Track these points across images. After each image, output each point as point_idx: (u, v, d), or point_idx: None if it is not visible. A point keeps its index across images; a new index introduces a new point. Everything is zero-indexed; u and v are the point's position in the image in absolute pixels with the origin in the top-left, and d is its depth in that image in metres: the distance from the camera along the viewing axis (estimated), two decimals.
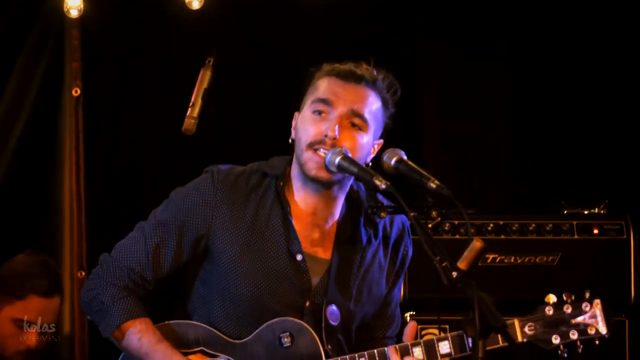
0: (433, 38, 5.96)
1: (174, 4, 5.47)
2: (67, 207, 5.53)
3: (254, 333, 3.50)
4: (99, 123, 5.64)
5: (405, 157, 3.41)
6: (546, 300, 3.49)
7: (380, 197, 3.53)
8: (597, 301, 3.48)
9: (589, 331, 3.46)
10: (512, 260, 5.07)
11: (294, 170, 3.57)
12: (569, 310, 3.47)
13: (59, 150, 5.56)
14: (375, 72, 3.58)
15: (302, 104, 3.58)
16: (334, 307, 3.55)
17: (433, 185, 3.28)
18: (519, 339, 3.46)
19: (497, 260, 5.08)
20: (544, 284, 5.03)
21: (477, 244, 3.22)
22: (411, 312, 4.97)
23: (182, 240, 3.53)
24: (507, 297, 4.91)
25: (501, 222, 5.08)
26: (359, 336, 3.68)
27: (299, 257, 3.54)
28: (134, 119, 5.64)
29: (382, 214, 3.46)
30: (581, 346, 3.45)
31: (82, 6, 5.38)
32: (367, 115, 3.52)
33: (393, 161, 3.40)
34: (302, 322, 3.51)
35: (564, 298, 3.48)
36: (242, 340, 3.50)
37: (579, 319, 3.46)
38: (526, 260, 5.07)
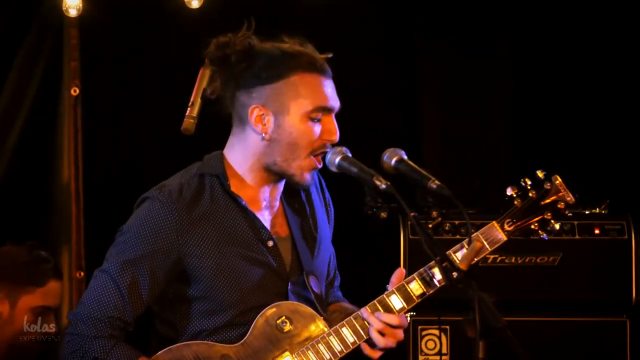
0: (433, 38, 5.96)
1: (173, 3, 5.47)
2: (66, 207, 5.52)
3: (249, 331, 3.46)
4: (97, 123, 5.64)
5: (405, 157, 3.40)
6: (509, 193, 3.52)
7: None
8: (555, 176, 3.55)
9: (559, 206, 3.51)
10: (513, 260, 5.07)
11: (254, 165, 3.51)
12: (535, 195, 3.51)
13: (58, 150, 5.56)
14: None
15: (272, 102, 3.47)
16: (313, 278, 3.55)
17: (433, 185, 3.27)
18: (503, 238, 3.48)
19: (498, 260, 5.08)
20: (545, 285, 5.04)
21: (477, 244, 3.22)
22: (412, 312, 4.96)
23: (155, 271, 3.42)
24: (508, 297, 4.91)
25: None
26: None
27: (270, 243, 3.51)
28: (132, 119, 5.64)
29: (382, 214, 3.44)
30: (557, 224, 3.51)
31: (81, 5, 5.38)
32: None
33: (393, 161, 3.39)
34: (294, 302, 3.49)
35: (523, 185, 3.52)
36: (241, 342, 3.47)
37: (547, 199, 3.51)
38: (527, 260, 5.07)
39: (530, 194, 3.51)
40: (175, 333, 3.50)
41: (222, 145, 3.68)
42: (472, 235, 3.42)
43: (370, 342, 3.46)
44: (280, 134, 3.47)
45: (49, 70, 5.55)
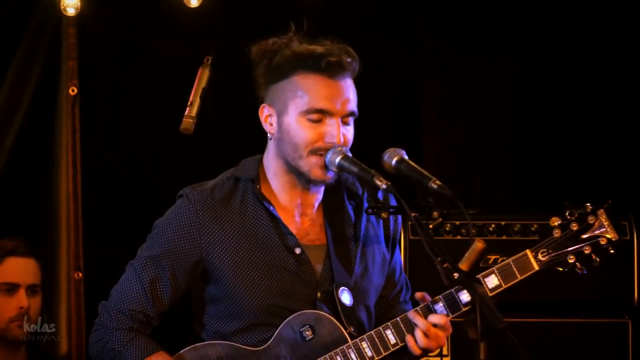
0: (434, 38, 5.95)
1: (171, 2, 5.46)
2: (64, 207, 5.52)
3: (274, 336, 3.46)
4: (96, 122, 5.62)
5: (406, 157, 3.39)
6: (550, 223, 3.48)
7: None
8: (601, 211, 3.48)
9: (601, 242, 3.46)
10: None
11: (277, 167, 3.52)
12: (576, 227, 3.47)
13: (56, 150, 5.55)
14: (349, 54, 3.50)
15: (277, 101, 3.47)
16: (344, 289, 3.51)
17: (434, 186, 3.25)
18: (535, 267, 3.47)
19: (499, 261, 5.03)
20: (546, 285, 5.02)
21: (478, 244, 3.22)
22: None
23: (175, 270, 3.48)
24: (509, 298, 4.89)
25: (503, 223, 5.08)
26: (378, 310, 3.65)
27: (297, 250, 3.51)
28: (131, 119, 5.63)
29: (383, 215, 3.43)
30: (597, 259, 3.46)
31: (79, 4, 5.36)
32: (356, 108, 3.51)
33: (394, 161, 3.37)
34: (318, 312, 3.48)
35: (568, 217, 3.47)
36: (264, 346, 3.47)
37: (588, 233, 3.47)
38: None
39: (572, 226, 3.47)
40: (204, 332, 3.55)
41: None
42: (504, 262, 3.44)
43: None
44: (282, 133, 3.48)
45: (47, 70, 5.53)
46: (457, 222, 5.00)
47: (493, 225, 5.07)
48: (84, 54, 5.56)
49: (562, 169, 5.84)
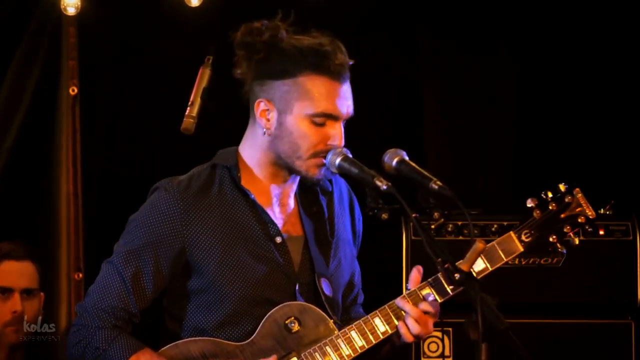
0: (435, 38, 5.95)
1: (172, 2, 5.47)
2: (64, 207, 5.53)
3: (257, 330, 3.43)
4: (96, 122, 5.63)
5: (406, 158, 3.37)
6: (529, 204, 3.53)
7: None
8: (577, 190, 3.56)
9: (579, 220, 3.53)
10: (516, 262, 5.04)
11: (263, 159, 3.49)
12: (555, 207, 3.52)
13: (56, 150, 5.57)
14: (346, 54, 3.46)
15: (278, 99, 3.44)
16: (324, 280, 3.51)
17: (435, 186, 3.23)
18: (520, 249, 3.50)
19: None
20: (548, 286, 5.01)
21: (479, 245, 3.21)
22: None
23: (159, 262, 3.43)
24: (511, 299, 4.89)
25: (505, 223, 5.06)
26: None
27: (278, 239, 3.49)
28: (131, 119, 5.63)
29: (384, 215, 3.41)
30: (576, 238, 3.53)
31: (79, 4, 5.37)
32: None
33: (394, 162, 3.36)
34: (303, 303, 3.46)
35: (544, 197, 3.53)
36: (248, 341, 3.44)
37: (566, 212, 3.53)
38: (530, 262, 5.05)
39: (550, 206, 3.52)
40: (180, 328, 3.50)
41: (220, 145, 3.66)
42: (488, 245, 3.42)
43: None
44: (282, 131, 3.45)
45: (47, 70, 5.55)
46: (459, 223, 5.00)
47: (495, 226, 5.05)
48: (84, 54, 5.57)
49: (563, 169, 5.83)
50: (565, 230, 3.51)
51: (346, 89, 3.46)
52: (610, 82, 5.79)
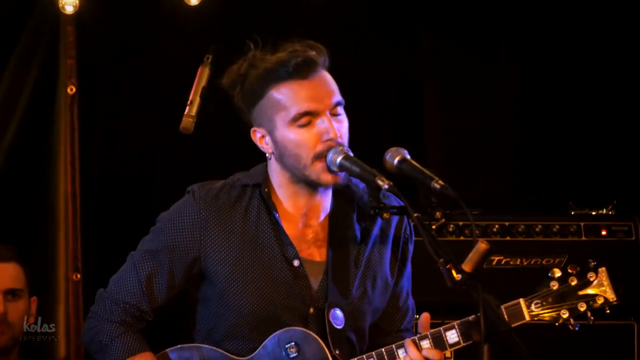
0: (436, 38, 5.95)
1: (171, 1, 5.45)
2: (62, 207, 5.53)
3: (260, 347, 3.45)
4: (94, 122, 5.62)
5: (408, 157, 3.34)
6: (550, 274, 3.43)
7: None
8: (602, 269, 3.41)
9: (598, 301, 3.39)
10: (518, 262, 5.05)
11: (282, 180, 3.50)
12: (575, 282, 3.40)
13: (54, 150, 5.58)
14: (312, 48, 3.44)
15: (263, 121, 3.45)
16: (336, 310, 3.48)
17: (437, 186, 3.21)
18: (526, 318, 3.40)
19: (503, 262, 5.05)
20: None
21: (482, 245, 3.18)
22: (415, 316, 4.91)
23: (173, 266, 3.48)
24: (512, 299, 4.86)
25: (507, 224, 5.07)
26: (374, 332, 3.62)
27: (295, 262, 3.48)
28: (130, 118, 5.62)
29: (385, 215, 3.40)
30: (592, 318, 3.39)
31: (77, 2, 5.37)
32: (340, 96, 3.45)
33: (396, 161, 3.33)
34: (306, 330, 3.45)
35: (569, 270, 3.41)
36: (250, 356, 3.45)
37: (586, 289, 3.40)
38: (532, 262, 5.05)
39: (570, 280, 3.41)
40: (195, 332, 3.56)
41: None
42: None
43: None
44: (280, 149, 3.45)
45: (45, 68, 5.55)
46: (461, 223, 5.00)
47: (497, 226, 5.06)
48: (83, 53, 5.57)
49: (566, 170, 5.83)
50: (580, 308, 3.38)
51: (317, 82, 3.42)
52: (611, 82, 5.79)
